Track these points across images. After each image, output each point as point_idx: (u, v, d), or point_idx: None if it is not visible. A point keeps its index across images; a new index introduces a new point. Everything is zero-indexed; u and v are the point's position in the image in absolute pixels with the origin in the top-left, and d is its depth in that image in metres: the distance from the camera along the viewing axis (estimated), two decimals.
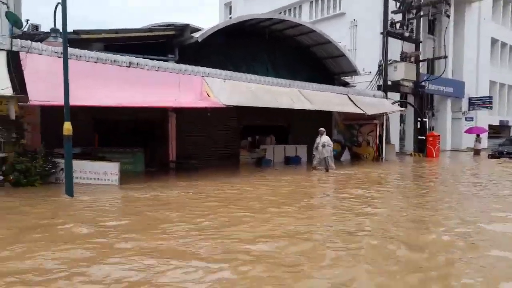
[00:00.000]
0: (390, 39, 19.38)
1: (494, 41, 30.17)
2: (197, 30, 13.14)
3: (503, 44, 31.37)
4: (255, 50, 15.75)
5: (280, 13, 25.72)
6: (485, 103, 26.45)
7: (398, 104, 21.65)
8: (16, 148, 8.32)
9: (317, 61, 18.14)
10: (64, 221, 5.13)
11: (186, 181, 9.41)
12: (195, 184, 8.99)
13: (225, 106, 10.15)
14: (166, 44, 12.56)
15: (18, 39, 8.37)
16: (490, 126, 29.34)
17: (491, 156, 18.77)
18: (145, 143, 12.33)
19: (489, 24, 29.06)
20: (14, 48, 8.17)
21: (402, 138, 24.02)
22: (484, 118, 28.48)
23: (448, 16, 19.87)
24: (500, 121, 31.20)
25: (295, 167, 14.34)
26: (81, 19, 62.68)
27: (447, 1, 18.87)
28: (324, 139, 12.03)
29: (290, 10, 26.82)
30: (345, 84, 18.55)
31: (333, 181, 10.15)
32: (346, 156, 18.17)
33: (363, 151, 17.99)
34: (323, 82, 15.72)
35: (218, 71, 11.55)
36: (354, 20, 22.61)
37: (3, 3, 8.75)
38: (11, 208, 6.04)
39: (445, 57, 19.77)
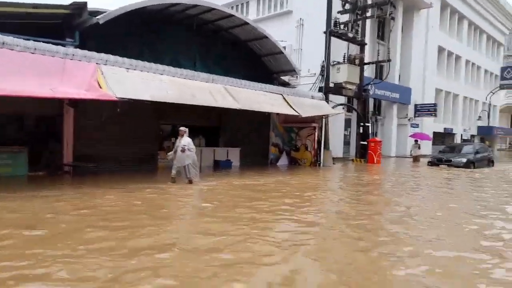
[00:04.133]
0: (337, 41, 18.49)
1: (441, 50, 30.48)
2: None
3: (450, 53, 31.84)
4: (183, 42, 14.17)
5: (229, 8, 24.26)
6: (429, 110, 26.43)
7: (343, 108, 20.91)
8: None
9: (256, 58, 16.84)
10: None
11: (64, 191, 7.64)
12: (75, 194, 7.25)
13: (118, 99, 8.48)
14: (64, 26, 10.69)
15: None
16: (435, 133, 29.56)
17: (430, 164, 18.32)
18: (32, 141, 10.35)
19: (437, 32, 29.27)
20: None
21: (348, 144, 23.30)
22: (430, 125, 28.59)
23: (393, 19, 19.30)
24: (445, 129, 31.57)
25: (216, 172, 12.92)
26: None
27: (392, 3, 18.23)
28: (185, 141, 9.42)
29: (237, 6, 25.44)
30: (285, 84, 17.39)
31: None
32: (283, 161, 16.99)
33: (301, 156, 16.88)
34: (262, 81, 14.38)
35: (121, 59, 9.83)
36: (300, 19, 21.59)
37: None
38: None
39: (389, 60, 19.14)
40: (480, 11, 34.67)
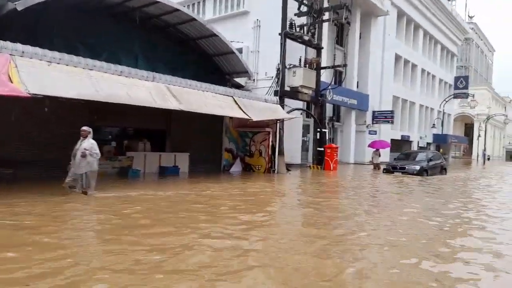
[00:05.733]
0: (295, 44, 18.01)
1: (398, 57, 30.98)
2: None
3: (406, 61, 32.48)
4: (124, 37, 13.07)
5: (184, 6, 23.26)
6: (387, 117, 26.63)
7: (301, 113, 20.45)
8: None
9: (208, 58, 15.99)
10: None
11: None
12: None
13: (30, 96, 7.32)
14: None
15: None
16: (392, 140, 29.81)
17: (386, 171, 18.18)
18: None
19: (393, 40, 29.73)
20: None
21: (306, 150, 22.87)
22: (387, 132, 28.79)
23: (349, 23, 19.12)
24: (402, 136, 32.05)
25: (160, 179, 11.93)
26: None
27: (347, 7, 18.01)
28: (87, 144, 7.85)
29: (193, 4, 24.51)
30: (239, 86, 16.64)
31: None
32: (237, 167, 16.17)
33: (255, 162, 16.14)
34: (213, 82, 13.50)
35: (41, 50, 8.64)
36: (257, 20, 20.98)
37: None
38: None
39: (345, 65, 18.95)
40: (435, 22, 35.78)
